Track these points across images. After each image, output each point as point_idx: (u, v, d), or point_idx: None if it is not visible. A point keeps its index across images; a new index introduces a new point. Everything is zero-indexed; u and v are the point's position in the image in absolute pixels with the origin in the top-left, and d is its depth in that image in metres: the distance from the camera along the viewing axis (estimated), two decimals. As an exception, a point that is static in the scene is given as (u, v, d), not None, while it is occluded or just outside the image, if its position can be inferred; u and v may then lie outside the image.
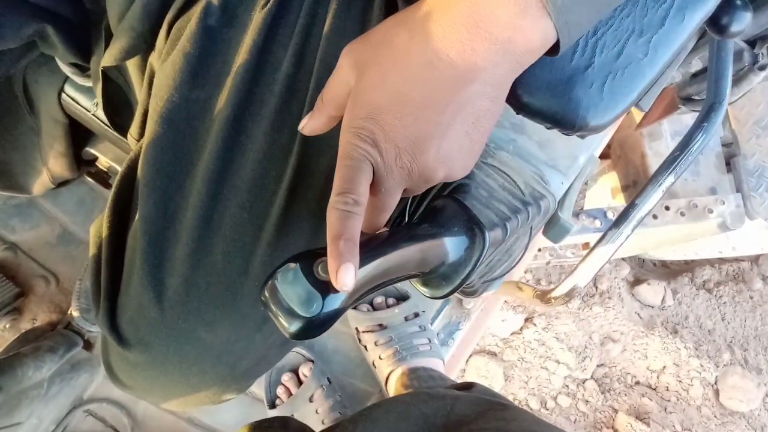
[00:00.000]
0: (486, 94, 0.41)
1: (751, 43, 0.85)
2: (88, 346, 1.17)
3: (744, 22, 0.57)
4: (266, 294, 0.41)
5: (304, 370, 1.12)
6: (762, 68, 0.84)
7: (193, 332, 0.55)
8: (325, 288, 0.40)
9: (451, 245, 0.49)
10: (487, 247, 0.49)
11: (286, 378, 1.12)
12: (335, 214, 0.41)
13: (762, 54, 0.84)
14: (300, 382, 1.11)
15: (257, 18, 0.56)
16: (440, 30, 0.40)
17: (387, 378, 1.09)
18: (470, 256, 0.49)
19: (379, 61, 0.42)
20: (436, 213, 0.52)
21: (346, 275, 0.39)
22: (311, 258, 0.42)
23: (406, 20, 0.42)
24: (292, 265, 0.41)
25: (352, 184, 0.41)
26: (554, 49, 0.41)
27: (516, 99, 0.47)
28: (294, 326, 0.40)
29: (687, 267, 1.96)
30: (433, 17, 0.40)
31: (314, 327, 0.40)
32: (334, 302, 0.40)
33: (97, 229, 0.62)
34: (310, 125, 0.48)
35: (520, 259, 0.78)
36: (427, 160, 0.43)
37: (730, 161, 1.43)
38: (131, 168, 0.59)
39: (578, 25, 0.40)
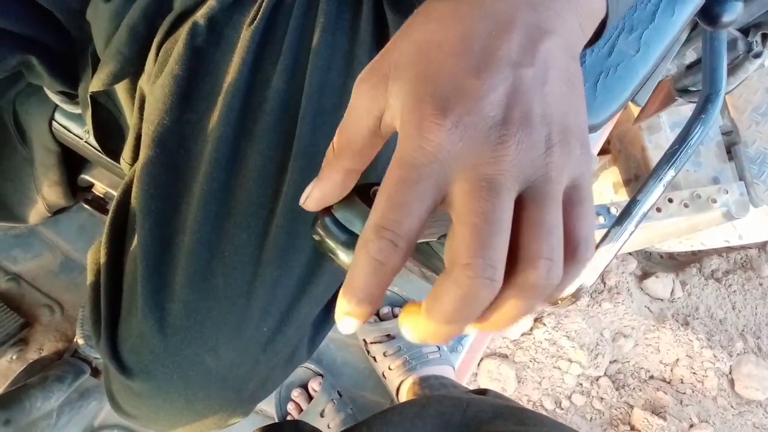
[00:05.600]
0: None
1: (745, 31, 0.84)
2: (96, 373, 1.16)
3: (735, 12, 0.56)
4: (323, 225, 0.35)
5: (314, 385, 1.11)
6: (757, 56, 0.83)
7: (197, 358, 0.54)
8: None
9: None
10: None
11: (296, 394, 1.11)
12: (368, 262, 0.29)
13: (756, 41, 0.84)
14: (310, 398, 1.11)
15: (245, 36, 0.55)
16: None
17: (398, 388, 1.08)
18: None
19: (429, 39, 0.31)
20: None
21: (351, 327, 0.31)
22: (366, 186, 0.36)
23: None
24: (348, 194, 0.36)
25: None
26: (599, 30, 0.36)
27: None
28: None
29: (694, 258, 1.95)
30: None
31: None
32: None
33: (94, 256, 0.61)
34: (321, 190, 0.34)
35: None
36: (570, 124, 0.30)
37: (731, 150, 1.42)
38: (126, 193, 0.59)
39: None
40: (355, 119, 0.32)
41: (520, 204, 0.29)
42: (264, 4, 0.56)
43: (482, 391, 0.83)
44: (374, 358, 1.12)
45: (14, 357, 1.19)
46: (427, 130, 0.28)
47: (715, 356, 1.76)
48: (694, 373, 1.76)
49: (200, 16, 0.56)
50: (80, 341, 1.14)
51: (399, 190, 0.28)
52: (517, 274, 0.28)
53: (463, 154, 0.28)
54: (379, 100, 0.31)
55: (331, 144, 0.34)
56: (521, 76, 0.29)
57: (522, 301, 0.28)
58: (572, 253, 0.29)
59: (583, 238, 0.30)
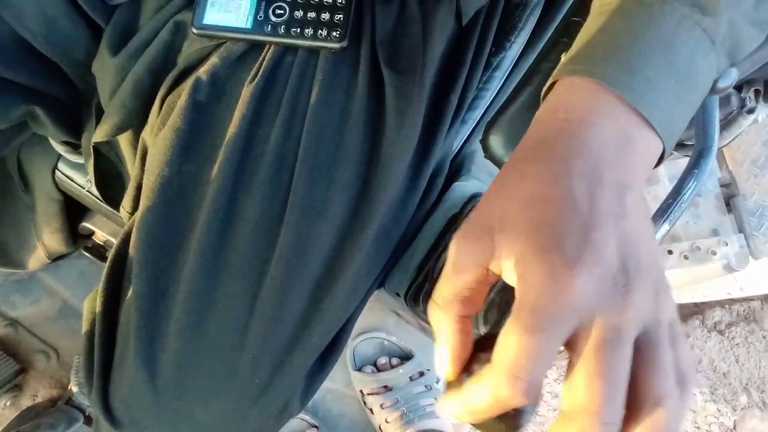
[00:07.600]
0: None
1: (738, 87, 0.85)
2: (89, 421, 1.14)
3: (730, 78, 0.57)
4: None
5: (310, 437, 1.09)
6: (750, 111, 0.84)
7: (188, 410, 0.54)
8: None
9: None
10: None
11: (292, 446, 1.09)
12: (492, 402, 0.29)
13: (749, 97, 0.85)
14: (306, 450, 1.09)
15: (245, 92, 0.57)
16: (595, 135, 0.33)
17: (394, 441, 1.06)
18: None
19: (533, 194, 0.32)
20: None
21: (450, 418, 0.32)
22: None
23: (527, 157, 0.34)
24: None
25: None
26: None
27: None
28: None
29: (697, 309, 1.93)
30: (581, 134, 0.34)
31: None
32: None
33: (90, 305, 0.61)
34: (450, 347, 0.33)
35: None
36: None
37: (729, 202, 1.43)
38: (125, 242, 0.59)
39: (678, 131, 0.37)
40: (460, 272, 0.33)
41: (636, 347, 0.30)
42: (265, 62, 0.57)
43: (480, 447, 0.82)
44: (371, 410, 1.10)
45: (8, 403, 1.17)
46: (563, 282, 0.29)
47: (719, 410, 1.72)
48: (698, 428, 1.73)
49: (203, 72, 0.57)
50: (74, 389, 1.13)
51: (534, 340, 0.28)
52: (646, 412, 0.29)
53: (595, 304, 0.29)
54: (485, 251, 0.32)
55: (432, 301, 0.34)
56: (623, 227, 0.31)
57: None
58: (682, 383, 0.31)
59: (689, 370, 0.31)
